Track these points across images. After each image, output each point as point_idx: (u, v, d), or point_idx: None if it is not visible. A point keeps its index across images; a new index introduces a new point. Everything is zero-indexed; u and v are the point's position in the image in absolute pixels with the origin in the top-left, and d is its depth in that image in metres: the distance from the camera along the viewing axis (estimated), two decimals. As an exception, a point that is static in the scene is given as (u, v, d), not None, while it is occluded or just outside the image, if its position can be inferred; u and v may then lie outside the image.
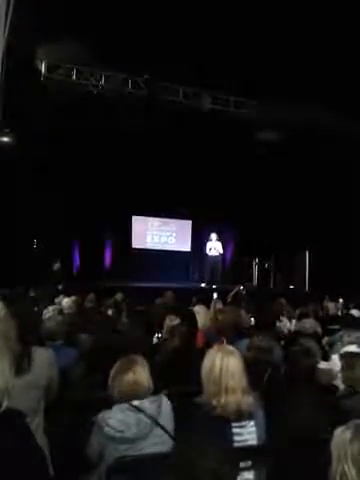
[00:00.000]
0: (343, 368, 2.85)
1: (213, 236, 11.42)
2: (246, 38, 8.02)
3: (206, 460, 1.24)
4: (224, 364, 2.17)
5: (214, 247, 11.36)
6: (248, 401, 2.16)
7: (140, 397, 2.13)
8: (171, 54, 8.18)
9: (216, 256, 11.43)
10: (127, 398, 2.12)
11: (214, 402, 2.13)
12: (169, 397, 2.27)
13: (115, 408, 2.10)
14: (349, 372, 2.77)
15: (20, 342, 2.33)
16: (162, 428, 2.08)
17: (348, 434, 1.52)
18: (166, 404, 2.19)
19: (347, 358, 2.90)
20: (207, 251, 11.47)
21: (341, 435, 1.54)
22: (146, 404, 2.12)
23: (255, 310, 5.73)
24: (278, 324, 5.37)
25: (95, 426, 2.07)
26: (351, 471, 1.43)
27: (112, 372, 2.20)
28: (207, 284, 11.26)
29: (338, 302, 7.69)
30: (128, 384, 2.13)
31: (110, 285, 9.41)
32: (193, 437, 1.96)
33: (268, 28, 7.78)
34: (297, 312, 5.83)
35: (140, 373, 2.16)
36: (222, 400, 2.12)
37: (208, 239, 11.54)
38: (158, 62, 8.90)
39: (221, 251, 11.48)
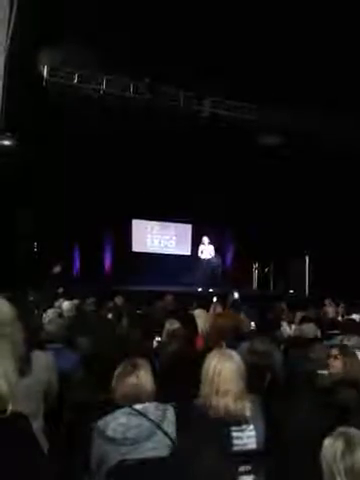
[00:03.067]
0: None
1: (205, 239, 11.70)
2: (247, 42, 8.05)
3: (203, 462, 1.24)
4: (219, 367, 2.17)
5: (205, 250, 11.61)
6: (240, 406, 2.14)
7: (142, 401, 2.11)
8: (172, 58, 8.21)
9: (209, 259, 11.59)
10: (129, 401, 2.10)
11: (207, 403, 2.14)
12: (168, 400, 2.26)
13: (117, 412, 2.08)
14: None
15: (25, 345, 2.33)
16: (164, 433, 2.07)
17: (339, 446, 1.50)
18: (171, 413, 2.17)
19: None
20: (199, 254, 11.71)
21: (331, 447, 1.52)
22: (150, 409, 2.10)
23: (257, 315, 5.72)
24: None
25: (95, 432, 2.04)
26: None
27: (115, 374, 2.19)
28: (198, 286, 11.29)
29: (338, 306, 7.65)
30: (131, 387, 2.12)
31: (110, 288, 9.40)
32: (191, 439, 1.97)
33: (269, 32, 7.81)
34: (298, 316, 5.81)
35: (143, 376, 2.15)
36: (213, 402, 2.12)
37: (201, 242, 11.81)
38: (159, 66, 8.93)
39: (213, 254, 11.64)
